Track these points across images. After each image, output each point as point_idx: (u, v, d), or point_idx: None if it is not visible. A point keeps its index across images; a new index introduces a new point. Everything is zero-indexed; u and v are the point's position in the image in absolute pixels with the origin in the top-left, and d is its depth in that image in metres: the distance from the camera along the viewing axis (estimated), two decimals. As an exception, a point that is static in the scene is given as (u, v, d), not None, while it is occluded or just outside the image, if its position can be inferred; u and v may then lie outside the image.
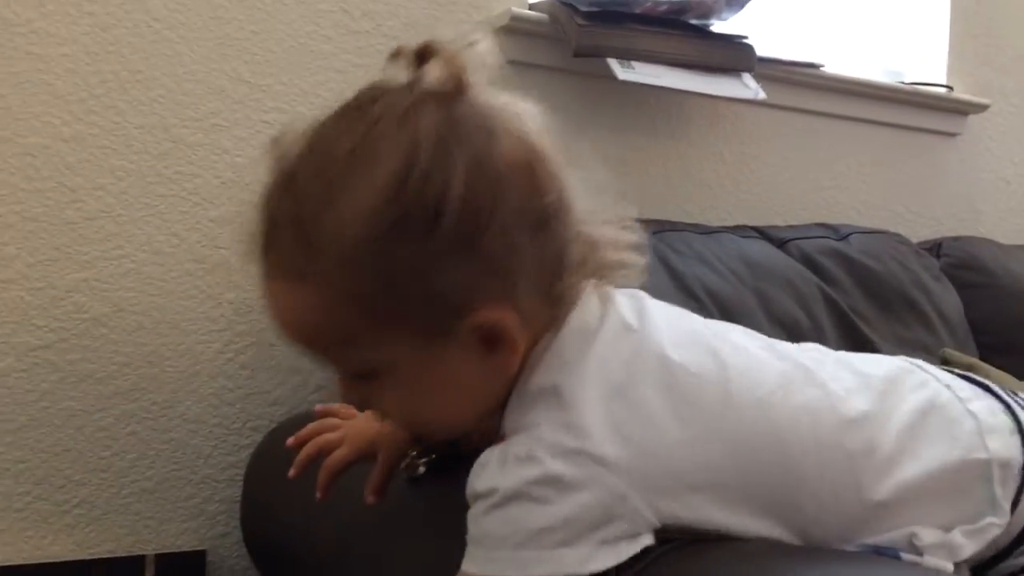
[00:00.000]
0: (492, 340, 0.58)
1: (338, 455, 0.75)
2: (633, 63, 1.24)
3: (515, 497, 0.55)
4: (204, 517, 1.08)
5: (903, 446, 0.63)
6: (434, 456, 0.73)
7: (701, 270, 1.10)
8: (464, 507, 0.58)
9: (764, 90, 1.35)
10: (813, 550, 0.59)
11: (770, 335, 1.08)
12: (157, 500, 1.06)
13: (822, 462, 0.61)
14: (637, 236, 0.63)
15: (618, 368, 0.59)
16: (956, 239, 1.48)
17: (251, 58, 1.10)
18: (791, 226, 1.38)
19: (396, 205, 0.54)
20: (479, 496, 0.57)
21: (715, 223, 1.44)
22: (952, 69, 1.70)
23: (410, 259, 0.54)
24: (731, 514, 0.59)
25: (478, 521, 0.57)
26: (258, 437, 1.07)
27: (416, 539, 0.69)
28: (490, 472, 0.57)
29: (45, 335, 1.01)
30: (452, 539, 0.58)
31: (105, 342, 1.03)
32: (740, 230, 1.29)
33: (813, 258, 1.25)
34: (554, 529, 0.54)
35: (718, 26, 1.35)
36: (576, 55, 1.21)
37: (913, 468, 0.62)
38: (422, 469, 0.73)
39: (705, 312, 1.06)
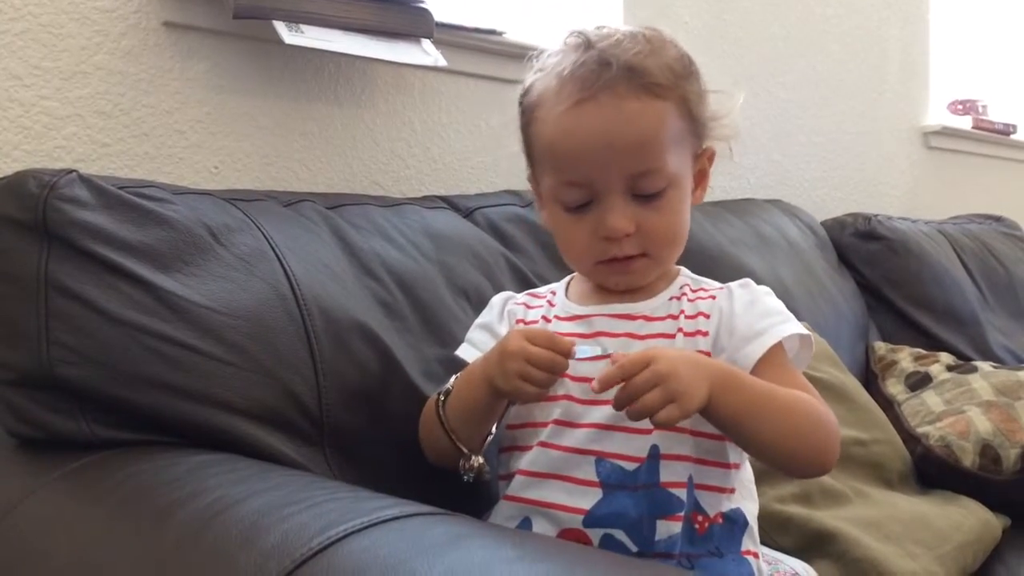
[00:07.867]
0: (703, 174, 0.90)
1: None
2: (302, 26, 1.16)
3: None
4: None
5: None
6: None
7: (381, 245, 1.05)
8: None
9: (446, 57, 1.32)
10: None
11: (453, 306, 1.07)
12: None
13: None
14: None
15: None
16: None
17: None
18: (481, 194, 1.37)
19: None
20: (769, 292, 0.88)
21: (409, 194, 1.40)
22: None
23: (697, 89, 0.86)
24: None
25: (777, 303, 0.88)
26: None
27: None
28: (763, 288, 0.89)
29: None
30: None
31: None
32: (427, 200, 1.25)
33: (499, 226, 1.25)
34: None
35: (396, -10, 1.30)
36: (236, 16, 1.11)
37: None
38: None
39: (385, 289, 1.01)
